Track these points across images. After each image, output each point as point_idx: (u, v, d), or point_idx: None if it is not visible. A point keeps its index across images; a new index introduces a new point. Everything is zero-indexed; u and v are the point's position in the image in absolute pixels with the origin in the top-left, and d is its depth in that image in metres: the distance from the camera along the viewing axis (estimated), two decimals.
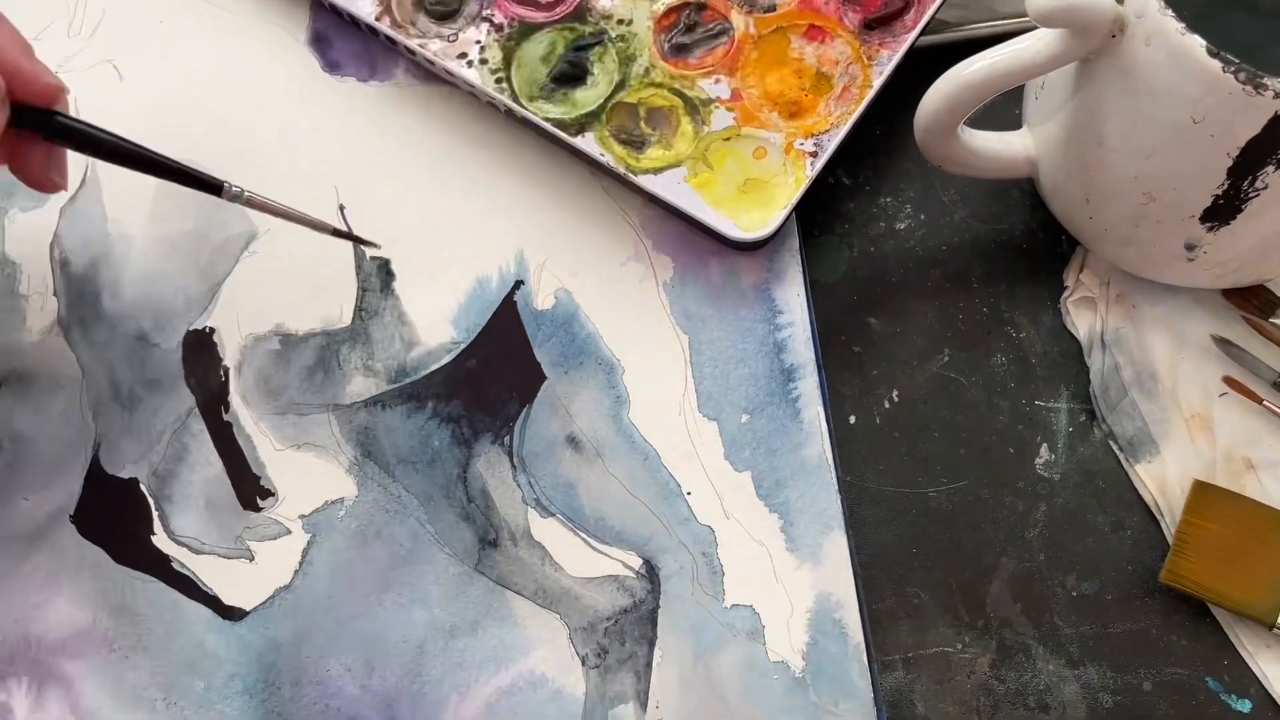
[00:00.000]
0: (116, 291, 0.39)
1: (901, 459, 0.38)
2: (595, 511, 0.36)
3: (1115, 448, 0.38)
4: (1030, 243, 0.41)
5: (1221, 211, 0.34)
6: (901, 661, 0.36)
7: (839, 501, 0.36)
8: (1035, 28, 0.34)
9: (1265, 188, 0.33)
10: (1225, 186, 0.33)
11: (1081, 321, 0.40)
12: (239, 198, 0.36)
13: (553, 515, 0.36)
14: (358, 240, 0.38)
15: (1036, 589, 0.37)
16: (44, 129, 0.34)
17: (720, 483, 0.37)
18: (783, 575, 0.35)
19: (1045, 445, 0.39)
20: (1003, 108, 0.43)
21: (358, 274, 0.39)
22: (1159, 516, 0.37)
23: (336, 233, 0.37)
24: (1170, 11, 0.32)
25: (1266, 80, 0.31)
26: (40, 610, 0.36)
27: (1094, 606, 0.37)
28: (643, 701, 0.34)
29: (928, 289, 0.41)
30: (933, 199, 0.42)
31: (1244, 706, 0.35)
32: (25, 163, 0.34)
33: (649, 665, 0.35)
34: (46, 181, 0.35)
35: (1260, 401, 0.38)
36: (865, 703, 0.34)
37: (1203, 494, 0.37)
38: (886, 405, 0.39)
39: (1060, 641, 0.36)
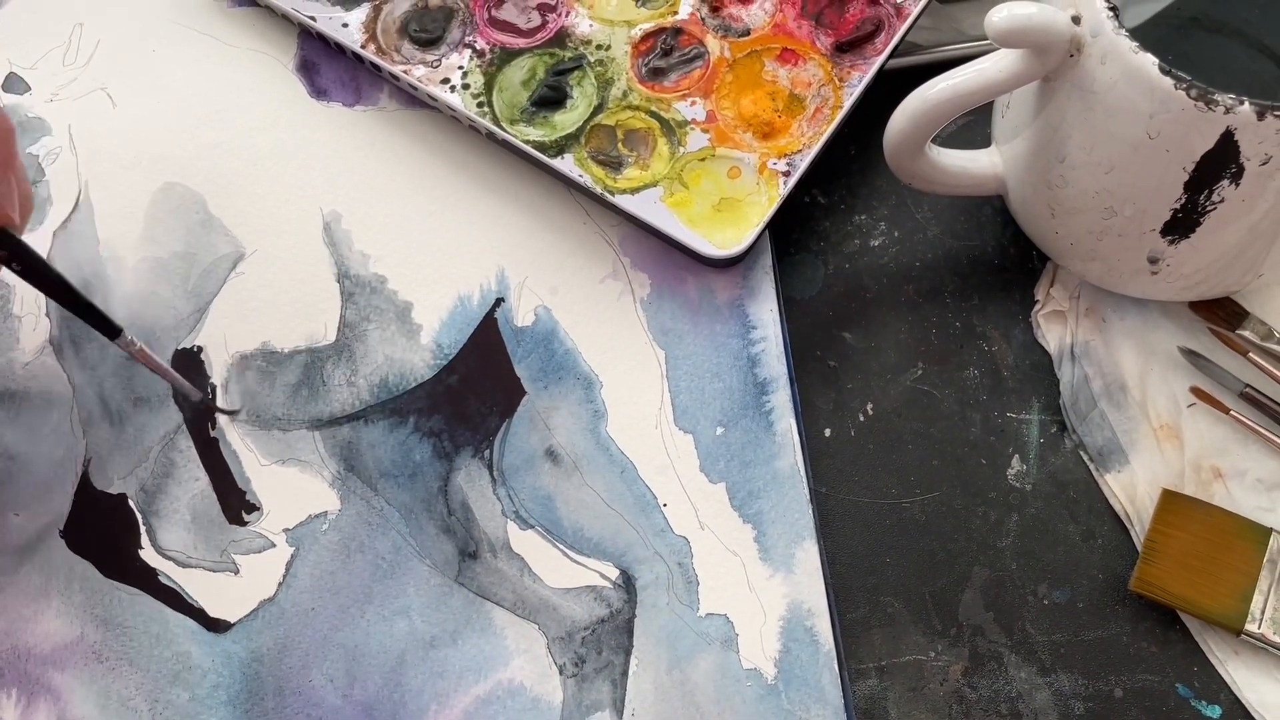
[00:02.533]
0: (107, 312, 0.40)
1: (876, 471, 0.39)
2: (573, 523, 0.37)
3: (1085, 458, 0.39)
4: (1002, 258, 0.42)
5: (1181, 225, 0.35)
6: (875, 670, 0.36)
7: (811, 511, 0.37)
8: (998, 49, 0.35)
9: (1222, 201, 0.34)
10: (1183, 200, 0.34)
11: (1052, 335, 0.41)
12: (130, 347, 0.37)
13: (532, 527, 0.37)
14: (218, 410, 0.39)
15: (1008, 597, 0.37)
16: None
17: (695, 494, 0.37)
18: (756, 584, 0.36)
19: (1017, 456, 0.39)
20: (975, 128, 0.44)
21: (342, 293, 0.40)
22: (1129, 525, 0.38)
23: (202, 401, 0.39)
24: (1124, 31, 0.33)
25: (1217, 96, 0.31)
26: (30, 623, 0.36)
27: (1065, 614, 0.37)
28: (619, 709, 0.35)
29: (901, 304, 0.42)
30: (906, 216, 0.43)
31: (1214, 712, 0.36)
32: None
33: (625, 674, 0.35)
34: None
35: (1228, 411, 0.38)
36: (837, 709, 0.34)
37: (1171, 503, 0.37)
38: (861, 418, 0.40)
39: (1032, 649, 0.37)
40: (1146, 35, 0.33)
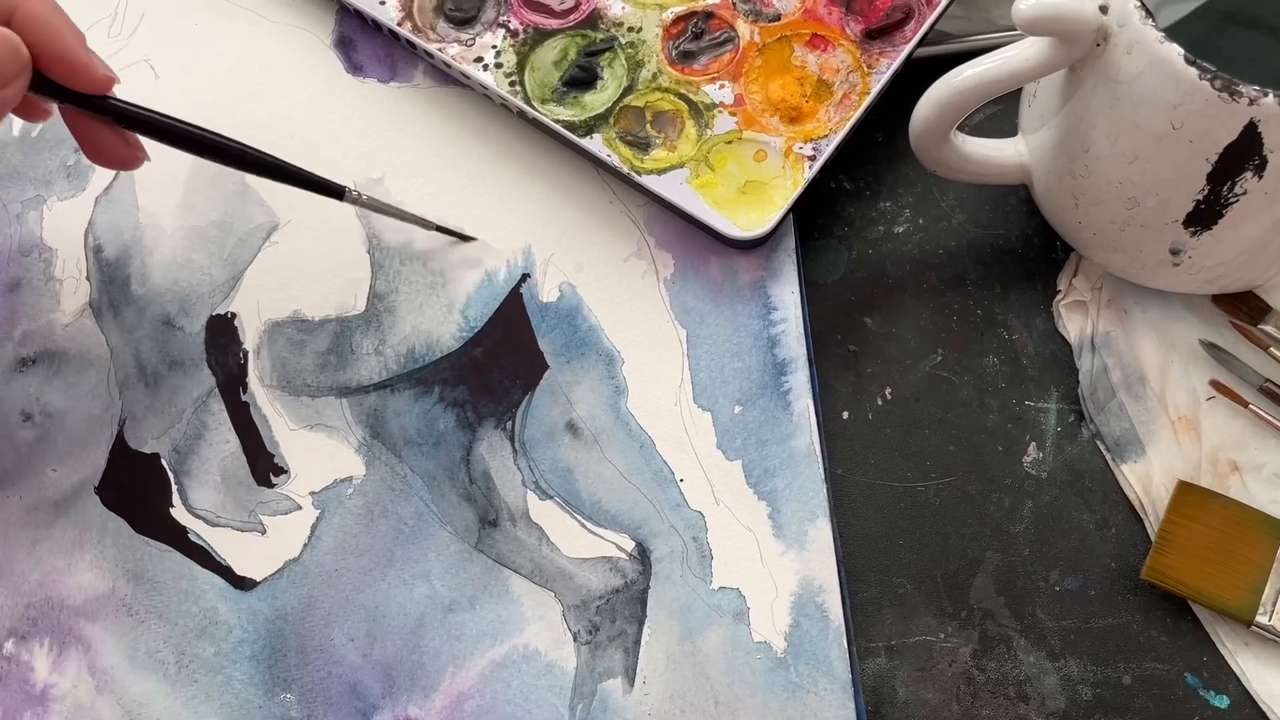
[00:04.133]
0: (145, 277, 0.42)
1: (892, 454, 0.40)
2: (591, 495, 0.38)
3: (1102, 448, 0.39)
4: (1025, 248, 0.43)
5: (1203, 216, 0.35)
6: (884, 649, 0.37)
7: (825, 491, 0.37)
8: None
9: (1244, 193, 0.34)
10: (1206, 192, 0.34)
11: (1073, 325, 0.41)
12: (358, 200, 0.39)
13: (551, 498, 0.38)
14: (456, 235, 0.41)
15: (1020, 583, 0.38)
16: (101, 112, 0.36)
17: (712, 470, 0.38)
18: (768, 560, 0.36)
19: (1034, 444, 0.40)
20: (1003, 117, 0.44)
21: (372, 264, 0.41)
22: (1143, 516, 0.38)
23: (439, 229, 0.41)
24: (1150, 21, 0.33)
25: (1241, 88, 0.32)
26: (63, 575, 0.38)
27: (1076, 601, 0.37)
28: (630, 677, 0.35)
29: (923, 291, 0.42)
30: (931, 204, 0.43)
31: (1222, 702, 0.36)
32: (100, 149, 0.37)
33: (638, 642, 0.36)
34: (126, 160, 0.38)
35: (1246, 405, 0.39)
36: (844, 683, 0.35)
37: (1186, 493, 0.37)
38: (879, 402, 0.40)
39: (1042, 634, 0.37)
40: (1181, 31, 0.33)
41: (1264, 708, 0.35)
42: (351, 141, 0.43)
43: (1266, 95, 0.31)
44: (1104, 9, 0.34)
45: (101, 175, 0.43)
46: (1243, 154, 0.33)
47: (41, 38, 0.33)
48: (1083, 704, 0.36)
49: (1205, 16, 0.40)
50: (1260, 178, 0.33)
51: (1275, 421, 0.38)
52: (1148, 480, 0.38)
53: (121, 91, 0.45)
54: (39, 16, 0.33)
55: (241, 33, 0.46)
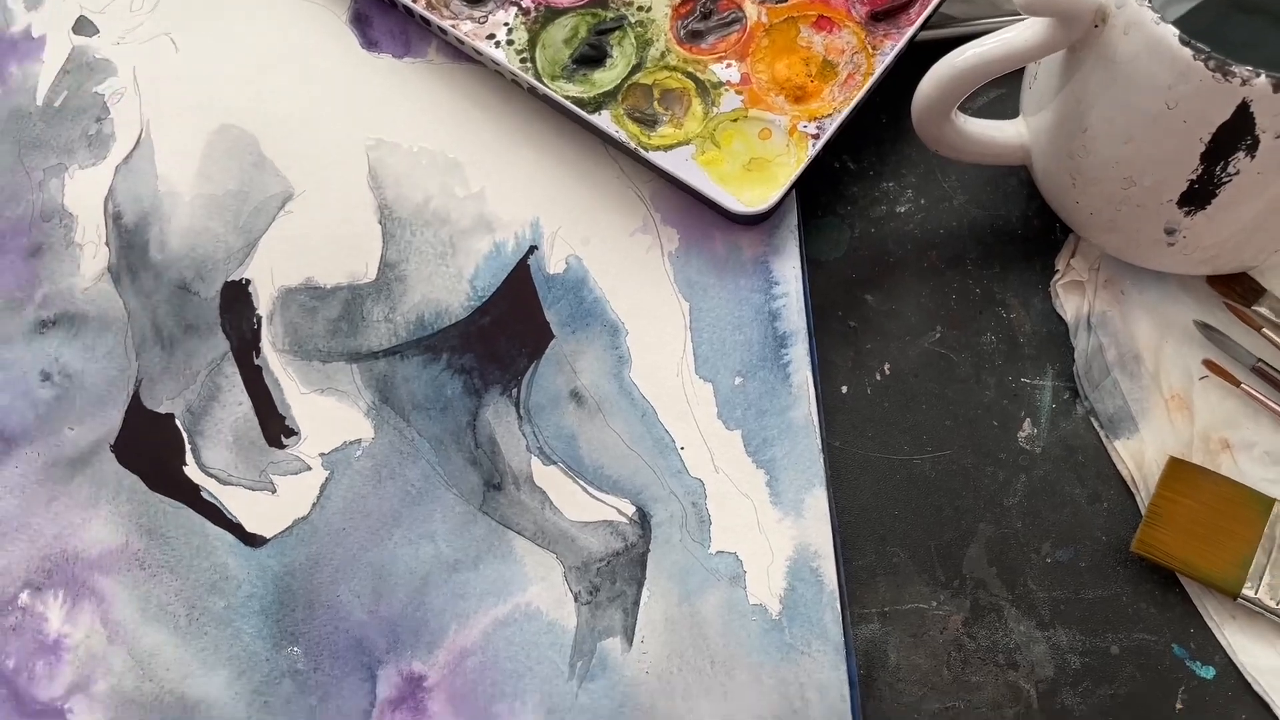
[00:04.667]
0: (163, 244, 0.43)
1: (890, 428, 0.40)
2: (594, 461, 0.39)
3: (1096, 424, 0.40)
4: (1025, 229, 0.43)
5: (1197, 196, 0.36)
6: (878, 615, 0.38)
7: (822, 460, 0.38)
8: None
9: (1237, 173, 0.34)
10: (1199, 171, 0.35)
11: (1070, 304, 0.42)
12: None
13: (554, 463, 0.39)
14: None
15: (1012, 554, 0.38)
16: None
17: (712, 439, 0.39)
18: (765, 526, 0.37)
19: (1029, 420, 0.40)
20: (1006, 100, 0.45)
21: (383, 233, 0.42)
22: (1134, 491, 0.39)
23: None
24: (1146, 2, 0.33)
25: (1234, 68, 0.32)
26: (79, 529, 0.39)
27: (1067, 573, 0.38)
28: (629, 636, 0.36)
29: (924, 269, 0.43)
30: (933, 185, 0.44)
31: (1208, 673, 0.37)
32: None
33: (636, 604, 0.37)
34: None
35: (1239, 385, 0.39)
36: (836, 645, 0.36)
37: (1177, 469, 0.38)
38: (878, 377, 0.41)
39: (1032, 604, 0.38)
40: (1188, 19, 0.34)
41: (1249, 679, 0.36)
42: (365, 115, 0.44)
43: (1259, 76, 0.32)
44: None
45: (122, 145, 0.44)
46: (1235, 134, 0.33)
47: None
48: (1071, 672, 0.37)
49: (1211, 7, 0.41)
50: (1252, 158, 0.34)
51: (1267, 401, 0.39)
52: (1140, 456, 0.39)
53: (142, 64, 0.46)
54: None
55: (259, 8, 0.46)
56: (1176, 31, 0.33)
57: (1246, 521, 0.37)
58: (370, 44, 0.46)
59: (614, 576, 0.37)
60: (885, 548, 0.39)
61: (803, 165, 0.41)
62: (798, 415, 0.39)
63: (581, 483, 0.39)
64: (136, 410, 0.40)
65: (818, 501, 0.38)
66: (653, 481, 0.38)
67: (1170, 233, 0.37)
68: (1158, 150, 0.35)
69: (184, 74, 0.45)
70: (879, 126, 0.45)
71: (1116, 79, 0.35)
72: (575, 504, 0.38)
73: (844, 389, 0.41)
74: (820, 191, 0.44)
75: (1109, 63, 0.35)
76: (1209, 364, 0.40)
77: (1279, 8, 0.41)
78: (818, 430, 0.38)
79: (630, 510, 0.38)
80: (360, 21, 0.46)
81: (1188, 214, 0.36)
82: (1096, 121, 0.36)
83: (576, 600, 0.37)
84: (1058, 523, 0.39)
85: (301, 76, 0.45)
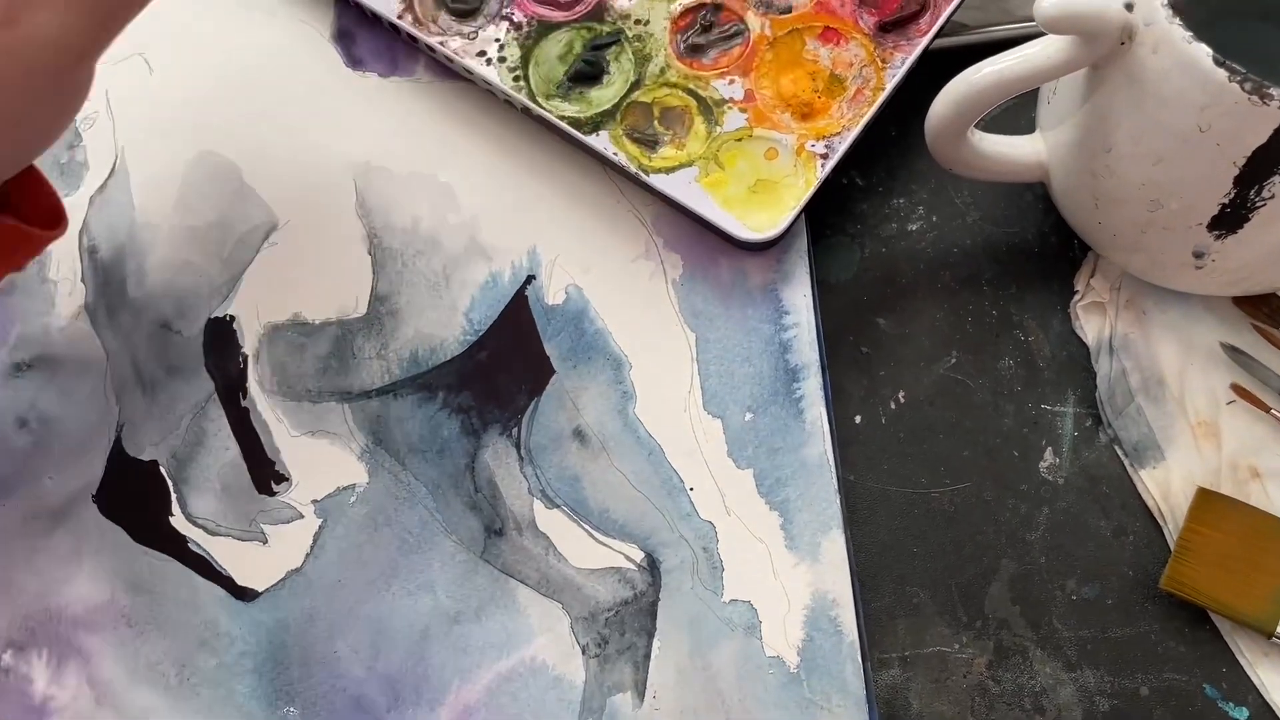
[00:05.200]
0: (141, 279, 0.41)
1: (906, 459, 0.39)
2: (599, 504, 0.37)
3: (1120, 453, 0.38)
4: (1042, 247, 0.42)
5: (1229, 220, 0.34)
6: (898, 660, 0.36)
7: (839, 501, 0.37)
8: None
9: (1272, 197, 0.33)
10: (1232, 195, 0.33)
11: (1090, 326, 0.40)
12: None
13: (558, 507, 0.37)
14: None
15: (1036, 591, 0.37)
16: None
17: (722, 479, 0.37)
18: (781, 572, 0.36)
19: (1050, 449, 0.39)
20: (1020, 111, 0.43)
21: (374, 265, 0.40)
22: (1162, 523, 0.37)
23: None
24: (1178, 20, 0.32)
25: (1272, 90, 0.30)
26: (62, 585, 0.37)
27: (1093, 610, 0.37)
28: (640, 691, 0.35)
29: (937, 291, 0.41)
30: (945, 201, 0.42)
31: (1241, 715, 0.35)
32: None
33: (647, 656, 0.35)
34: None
35: (1268, 410, 0.38)
36: (859, 699, 0.34)
37: (1206, 501, 0.37)
38: (893, 406, 0.40)
39: (1058, 644, 0.36)
40: (1201, 24, 0.32)
41: None
42: (352, 138, 0.42)
43: None
44: (1129, 7, 0.33)
45: (96, 172, 0.42)
46: (1272, 158, 0.32)
47: None
48: (1099, 715, 0.35)
49: (1224, 10, 0.39)
50: None
51: None
52: (1166, 486, 0.38)
53: (115, 86, 0.44)
54: None
55: (238, 25, 0.44)
56: (1210, 51, 0.31)
57: (1279, 555, 0.36)
58: (355, 62, 0.44)
59: (623, 627, 0.36)
60: (905, 588, 0.37)
61: (812, 188, 0.39)
62: (812, 453, 0.37)
63: (587, 527, 0.37)
64: (118, 457, 0.38)
65: (835, 545, 0.36)
66: (661, 525, 0.37)
67: (1199, 255, 0.36)
68: (1188, 173, 0.34)
69: (159, 97, 0.43)
70: (888, 141, 0.43)
71: (1144, 99, 0.33)
72: (581, 550, 0.37)
73: (857, 419, 0.39)
74: (827, 210, 0.42)
75: (1136, 81, 0.33)
76: (1236, 388, 0.38)
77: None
78: (833, 469, 0.37)
79: (639, 556, 0.36)
80: (344, 39, 0.44)
81: (1218, 237, 0.35)
82: (1122, 142, 0.35)
83: (584, 653, 0.35)
84: (1082, 558, 0.37)
85: (283, 98, 0.43)
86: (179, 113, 0.43)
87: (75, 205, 0.42)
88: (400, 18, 0.42)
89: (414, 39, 0.42)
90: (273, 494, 0.38)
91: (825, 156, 0.39)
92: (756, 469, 0.37)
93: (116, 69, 0.44)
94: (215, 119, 0.43)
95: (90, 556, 0.37)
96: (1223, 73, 0.31)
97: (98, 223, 0.41)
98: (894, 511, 0.38)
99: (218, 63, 0.44)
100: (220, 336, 0.40)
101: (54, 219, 0.33)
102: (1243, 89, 0.31)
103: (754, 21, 0.42)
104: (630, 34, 0.42)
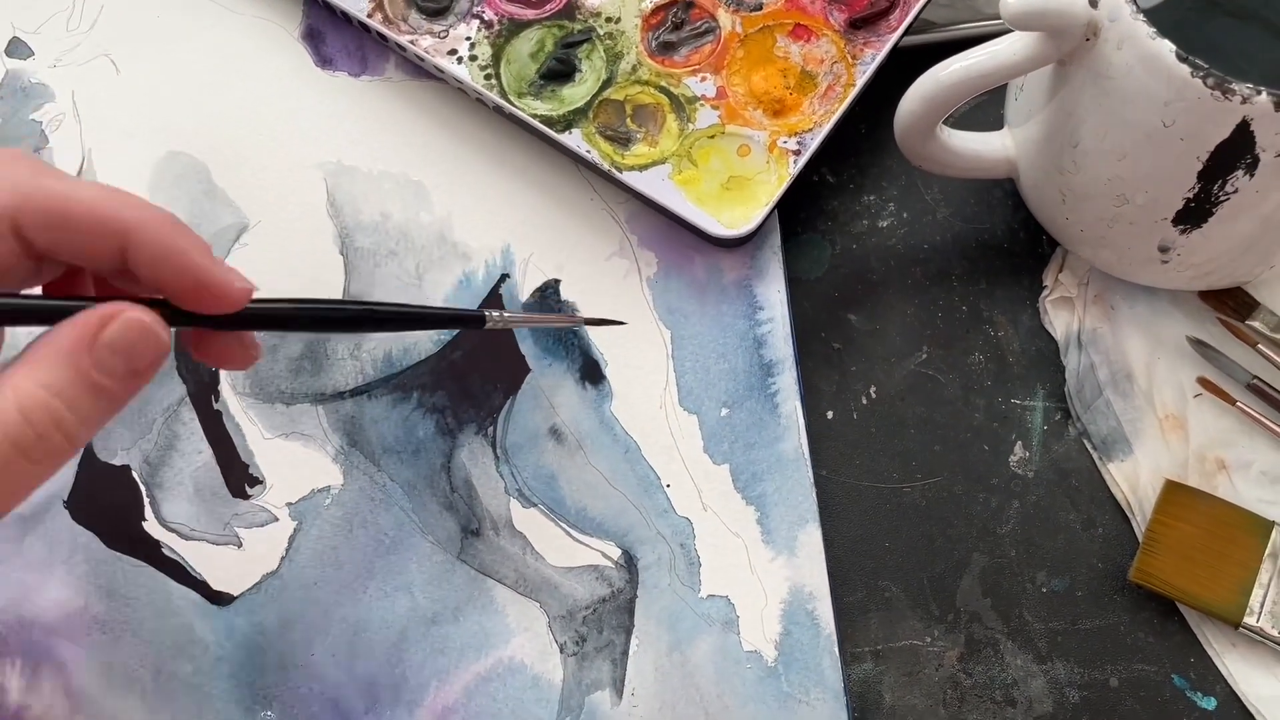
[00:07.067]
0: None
1: (877, 455, 0.39)
2: (576, 502, 0.37)
3: (1089, 446, 0.39)
4: (1011, 242, 0.42)
5: (1193, 214, 0.34)
6: (871, 653, 0.37)
7: (814, 495, 0.37)
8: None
9: (1235, 191, 0.33)
10: (1196, 190, 0.34)
11: (1059, 321, 0.40)
12: (498, 323, 0.33)
13: (534, 505, 0.37)
14: (608, 322, 0.36)
15: (1007, 585, 0.37)
16: (240, 326, 0.30)
17: (699, 475, 0.37)
18: (758, 567, 0.36)
19: (1020, 443, 0.39)
20: (988, 108, 0.44)
21: (345, 265, 0.40)
22: (1130, 515, 0.38)
23: (588, 321, 0.37)
24: (1141, 16, 0.32)
25: (1234, 85, 0.31)
26: (34, 593, 0.37)
27: (1063, 603, 0.37)
28: (619, 689, 0.35)
29: (908, 287, 0.41)
30: (915, 198, 0.43)
31: (1209, 704, 0.36)
32: (214, 352, 0.31)
33: (625, 653, 0.35)
34: (243, 360, 0.32)
35: (1234, 403, 0.38)
36: (836, 692, 0.35)
37: (1174, 493, 0.37)
38: (864, 401, 0.40)
39: (1029, 637, 0.37)
40: (1164, 18, 0.32)
41: (1251, 709, 0.35)
42: (321, 138, 0.42)
43: (1260, 94, 0.31)
44: (1094, 3, 0.33)
45: None
46: (1234, 153, 0.32)
47: (167, 265, 0.27)
48: (1070, 706, 0.36)
49: (1186, 4, 0.39)
50: (1251, 176, 0.33)
51: (1263, 419, 0.38)
52: (1135, 479, 0.38)
53: (81, 88, 0.43)
54: (162, 242, 0.27)
55: (205, 25, 0.44)
56: (1174, 47, 0.32)
57: (1245, 546, 0.36)
58: (324, 61, 0.43)
59: (601, 625, 0.36)
60: (877, 582, 0.37)
61: (785, 184, 0.39)
62: (787, 447, 0.37)
63: (564, 525, 0.37)
64: (90, 462, 0.38)
65: (811, 539, 0.36)
66: (638, 522, 0.37)
67: (1164, 250, 0.36)
68: (1153, 168, 0.34)
69: (126, 98, 0.43)
70: (858, 138, 0.43)
71: (1109, 95, 0.34)
72: (558, 548, 0.37)
73: (829, 414, 0.40)
74: (799, 207, 0.42)
75: (1101, 77, 0.34)
76: (1203, 381, 0.39)
77: (1264, 10, 0.39)
78: (808, 463, 0.37)
79: (616, 554, 0.37)
80: (313, 38, 0.44)
81: (1183, 232, 0.35)
82: (1088, 137, 0.35)
83: (562, 652, 0.36)
84: (1052, 551, 0.38)
85: (252, 97, 0.43)
86: (146, 114, 0.43)
87: None
88: (370, 16, 0.42)
89: (384, 38, 0.42)
90: (247, 497, 0.38)
91: (798, 153, 0.40)
92: (733, 464, 0.37)
93: (82, 70, 0.43)
94: (182, 119, 0.42)
95: (62, 563, 0.37)
96: (1185, 68, 0.31)
97: None
98: (866, 506, 0.38)
99: (185, 63, 0.43)
100: None
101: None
102: (1205, 84, 0.31)
103: (725, 19, 0.42)
104: (602, 32, 0.42)
